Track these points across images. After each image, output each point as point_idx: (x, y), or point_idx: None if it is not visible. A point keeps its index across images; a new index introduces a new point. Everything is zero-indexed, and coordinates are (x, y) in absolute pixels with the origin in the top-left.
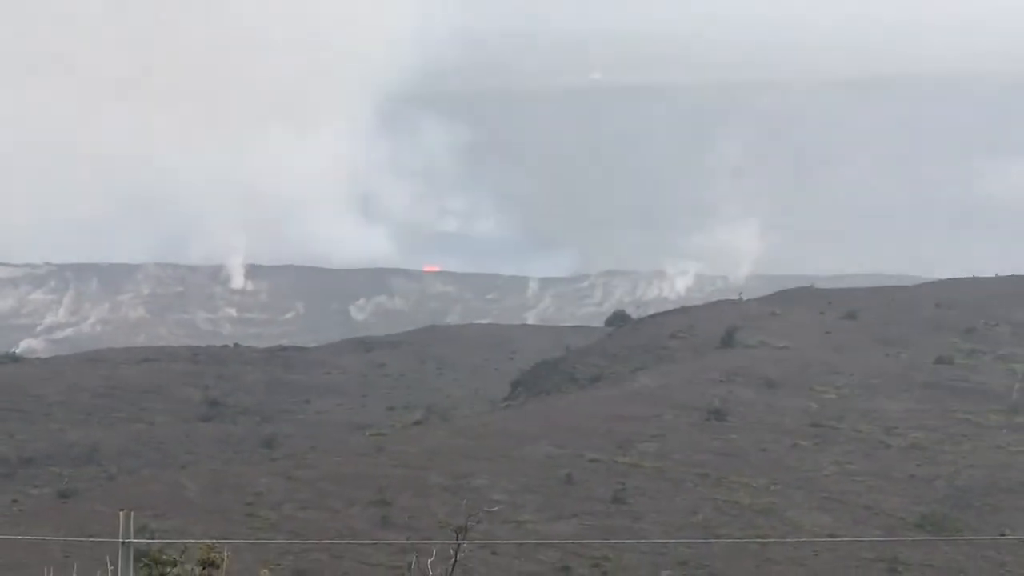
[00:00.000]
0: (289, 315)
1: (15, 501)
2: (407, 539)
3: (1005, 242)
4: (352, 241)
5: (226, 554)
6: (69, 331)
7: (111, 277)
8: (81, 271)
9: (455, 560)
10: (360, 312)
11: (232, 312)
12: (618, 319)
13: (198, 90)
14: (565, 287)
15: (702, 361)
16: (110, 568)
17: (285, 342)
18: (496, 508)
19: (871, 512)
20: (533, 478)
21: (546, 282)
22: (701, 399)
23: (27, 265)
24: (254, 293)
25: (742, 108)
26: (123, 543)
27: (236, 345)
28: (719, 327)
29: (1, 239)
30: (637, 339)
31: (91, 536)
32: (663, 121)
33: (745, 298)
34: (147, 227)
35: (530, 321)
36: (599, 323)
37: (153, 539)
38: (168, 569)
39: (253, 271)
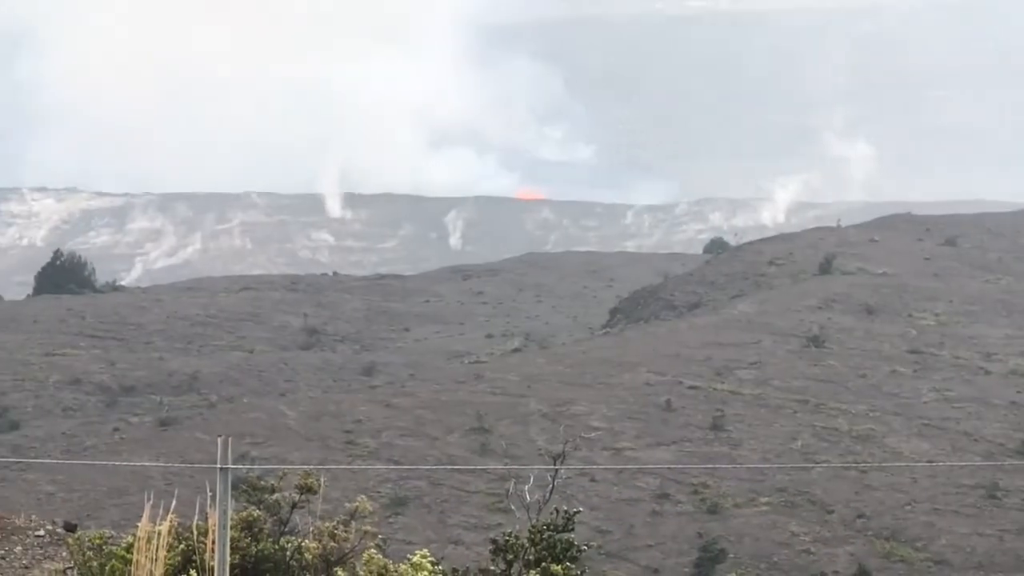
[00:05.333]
0: (387, 243)
1: (116, 429)
2: (505, 466)
3: None
4: (449, 169)
5: (323, 481)
6: (170, 260)
7: (211, 206)
8: (181, 200)
9: (552, 487)
10: (458, 240)
11: (330, 240)
12: (716, 246)
13: (296, 17)
14: (664, 214)
15: (800, 288)
16: (209, 494)
17: (384, 270)
18: (594, 435)
19: (970, 438)
20: (632, 405)
21: (644, 209)
22: (799, 326)
23: (127, 195)
24: (352, 221)
25: (842, 33)
26: (221, 469)
27: (335, 273)
28: (817, 254)
29: (101, 169)
30: (735, 266)
31: (191, 463)
32: (762, 47)
33: (843, 224)
34: (246, 156)
35: (629, 248)
36: (698, 250)
37: (252, 466)
38: (266, 495)
39: (351, 199)
